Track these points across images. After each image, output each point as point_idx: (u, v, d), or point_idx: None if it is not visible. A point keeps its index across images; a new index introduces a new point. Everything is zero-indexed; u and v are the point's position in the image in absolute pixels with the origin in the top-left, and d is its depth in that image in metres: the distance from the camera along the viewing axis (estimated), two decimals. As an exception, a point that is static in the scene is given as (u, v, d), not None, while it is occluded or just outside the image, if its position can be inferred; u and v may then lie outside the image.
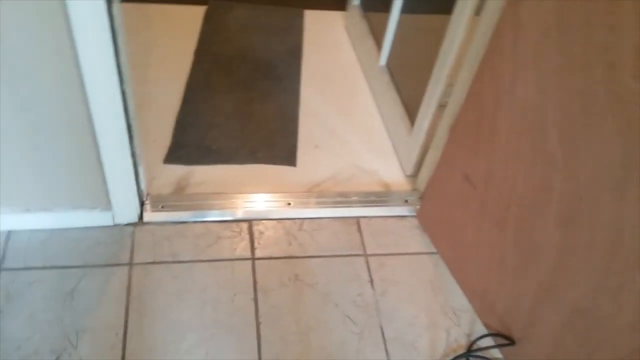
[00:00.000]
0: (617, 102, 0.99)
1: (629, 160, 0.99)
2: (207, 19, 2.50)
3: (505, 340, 1.43)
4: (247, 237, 1.64)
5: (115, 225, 1.60)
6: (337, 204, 1.77)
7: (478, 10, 1.42)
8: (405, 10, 1.99)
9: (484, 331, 1.50)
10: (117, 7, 1.20)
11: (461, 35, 1.50)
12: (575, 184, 1.11)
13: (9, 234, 1.54)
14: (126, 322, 1.40)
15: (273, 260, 1.59)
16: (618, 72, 0.97)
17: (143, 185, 1.62)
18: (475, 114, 1.39)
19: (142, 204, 1.63)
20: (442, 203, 1.62)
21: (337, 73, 2.34)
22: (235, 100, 2.11)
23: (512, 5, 1.21)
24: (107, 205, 1.55)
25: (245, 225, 1.68)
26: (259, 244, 1.63)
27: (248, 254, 1.60)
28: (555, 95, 1.12)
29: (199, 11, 2.54)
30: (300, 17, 2.62)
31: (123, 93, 1.33)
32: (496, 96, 1.30)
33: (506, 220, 1.34)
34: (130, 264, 1.52)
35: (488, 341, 1.48)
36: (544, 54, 1.13)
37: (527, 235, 1.28)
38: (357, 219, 1.75)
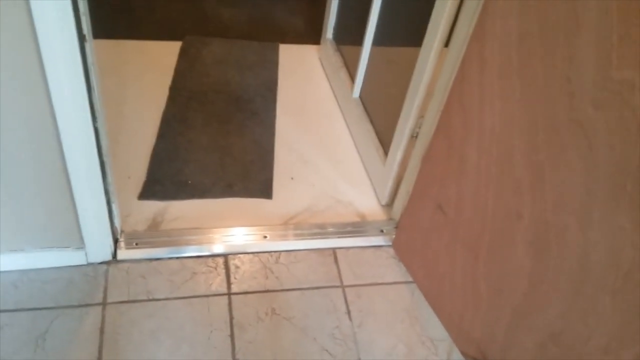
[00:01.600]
0: (579, 129, 1.02)
1: (591, 186, 1.01)
2: (183, 55, 2.52)
3: (484, 368, 1.43)
4: (223, 272, 1.63)
5: (89, 264, 1.58)
6: (313, 236, 1.77)
7: (447, 42, 1.45)
8: (377, 43, 2.03)
9: (462, 359, 1.50)
10: (90, 45, 1.21)
11: (430, 68, 1.54)
12: (542, 210, 1.13)
13: (-21, 276, 1.51)
14: (100, 363, 1.37)
15: (249, 295, 1.58)
16: (578, 101, 1.01)
17: (117, 223, 1.60)
18: (445, 144, 1.42)
19: (116, 241, 1.61)
20: (416, 232, 1.63)
21: (312, 105, 2.37)
22: (211, 134, 2.12)
23: (477, 38, 1.24)
24: (80, 243, 1.53)
25: (221, 260, 1.67)
26: (235, 278, 1.62)
27: (224, 289, 1.58)
28: (520, 124, 1.15)
29: (175, 47, 2.56)
30: (275, 51, 2.66)
31: (96, 130, 1.33)
32: (464, 126, 1.33)
33: (478, 247, 1.36)
34: (104, 303, 1.50)
35: (467, 370, 1.48)
36: (508, 85, 1.17)
37: (498, 262, 1.30)
38: (334, 250, 1.75)
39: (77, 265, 1.57)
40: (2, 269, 1.52)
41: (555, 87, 1.05)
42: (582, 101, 1.00)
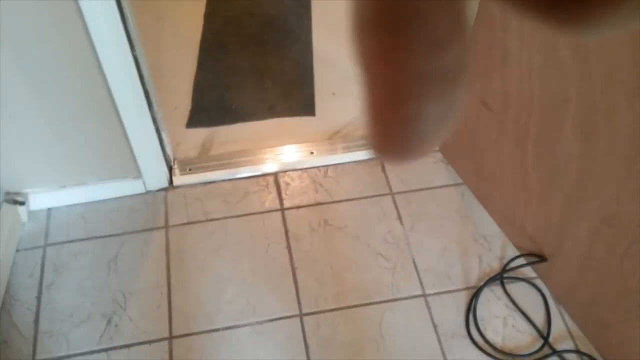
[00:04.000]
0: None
1: (641, 59, 0.97)
2: (213, -19, 2.49)
3: (537, 258, 1.44)
4: (274, 189, 1.68)
5: (148, 192, 1.66)
6: (359, 148, 1.78)
7: None
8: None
9: (516, 253, 1.51)
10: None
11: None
12: (590, 92, 1.10)
13: (49, 211, 1.61)
14: (169, 280, 1.47)
15: (302, 209, 1.63)
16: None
17: (169, 151, 1.66)
18: (485, 38, 1.37)
19: (170, 168, 1.68)
20: (463, 133, 1.61)
21: (347, 19, 2.32)
22: (249, 58, 2.12)
23: None
24: (137, 173, 1.61)
25: (271, 179, 1.71)
26: (286, 194, 1.67)
27: (277, 206, 1.64)
28: (562, 4, 1.10)
29: (204, -26, 2.53)
30: (305, -33, 2.58)
31: (135, 58, 1.36)
32: (503, 17, 1.27)
33: (526, 139, 1.33)
34: (166, 226, 1.58)
35: (521, 262, 1.49)
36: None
37: (547, 151, 1.28)
38: (381, 160, 1.75)
39: (137, 194, 1.65)
40: (69, 203, 1.62)
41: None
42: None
